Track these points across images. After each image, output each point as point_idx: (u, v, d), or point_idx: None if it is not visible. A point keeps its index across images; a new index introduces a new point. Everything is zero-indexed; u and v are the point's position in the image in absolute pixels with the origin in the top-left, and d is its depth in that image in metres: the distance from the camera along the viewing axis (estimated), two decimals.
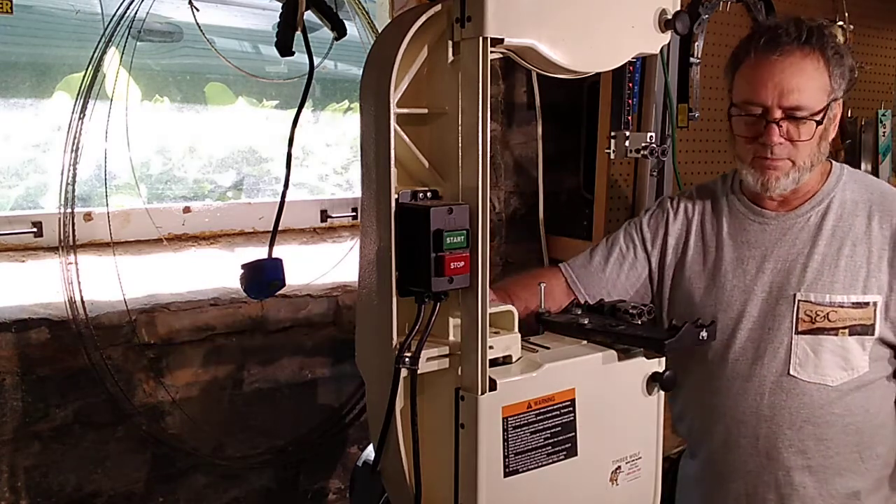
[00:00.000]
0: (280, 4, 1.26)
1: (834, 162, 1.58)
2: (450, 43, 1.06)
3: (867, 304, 1.46)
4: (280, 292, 1.36)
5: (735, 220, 1.59)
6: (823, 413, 1.47)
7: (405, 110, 1.08)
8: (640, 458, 1.25)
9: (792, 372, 1.47)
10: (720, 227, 1.60)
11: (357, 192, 2.32)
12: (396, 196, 1.06)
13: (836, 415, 1.47)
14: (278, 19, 1.25)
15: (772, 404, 1.49)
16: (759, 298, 1.52)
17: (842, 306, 1.46)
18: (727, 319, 1.53)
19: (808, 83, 1.42)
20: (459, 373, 1.09)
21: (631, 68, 2.20)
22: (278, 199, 1.30)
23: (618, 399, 1.22)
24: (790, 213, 1.54)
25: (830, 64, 1.44)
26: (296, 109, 1.29)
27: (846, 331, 1.46)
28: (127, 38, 1.88)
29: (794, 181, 1.47)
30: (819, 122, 1.43)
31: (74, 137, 1.81)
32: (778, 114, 1.42)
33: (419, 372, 1.07)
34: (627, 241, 1.67)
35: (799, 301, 1.48)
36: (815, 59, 1.43)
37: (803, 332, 1.47)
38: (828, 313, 1.46)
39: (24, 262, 1.90)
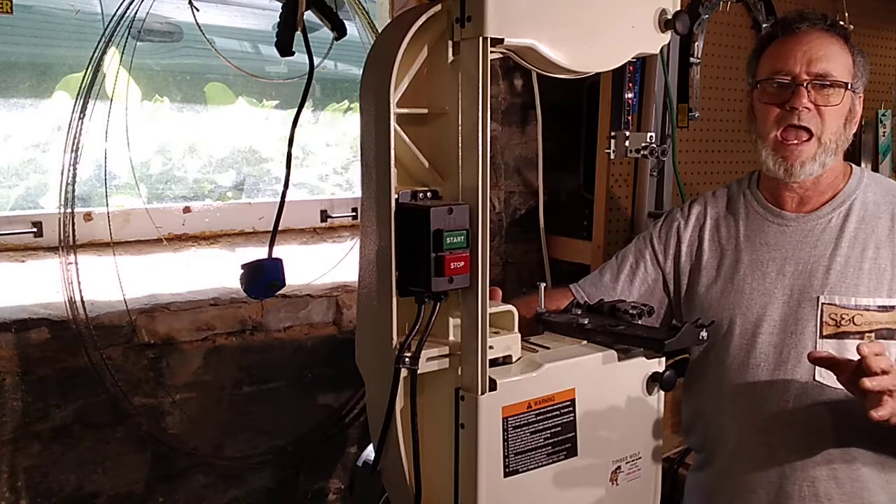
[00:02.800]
0: (280, 4, 1.26)
1: (854, 165, 1.56)
2: (450, 43, 1.06)
3: (893, 307, 1.42)
4: (280, 292, 1.36)
5: (752, 222, 1.55)
6: (849, 419, 1.41)
7: (405, 110, 1.08)
8: (640, 458, 1.25)
9: (818, 378, 1.42)
10: (737, 229, 1.57)
11: (357, 192, 2.32)
12: (396, 196, 1.06)
13: (860, 421, 1.38)
14: (278, 19, 1.25)
15: (796, 411, 1.44)
16: (780, 302, 1.47)
17: (868, 309, 1.42)
18: (747, 323, 1.49)
19: (834, 55, 1.45)
20: (459, 373, 1.09)
21: (631, 68, 2.19)
22: (278, 199, 1.30)
23: (618, 399, 1.22)
24: (810, 214, 1.51)
25: (854, 53, 1.48)
26: (296, 109, 1.29)
27: (872, 335, 1.41)
28: (127, 38, 1.88)
29: (821, 165, 1.45)
30: (846, 87, 1.44)
31: (74, 137, 1.81)
32: (805, 78, 1.43)
33: (419, 372, 1.07)
34: (637, 257, 1.64)
35: (823, 304, 1.44)
36: (840, 41, 1.47)
37: (828, 337, 1.42)
38: (853, 317, 1.42)
39: (24, 262, 1.90)
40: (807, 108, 1.43)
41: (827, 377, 1.41)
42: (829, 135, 1.44)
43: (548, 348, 1.22)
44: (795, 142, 1.44)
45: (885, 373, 1.21)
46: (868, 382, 1.20)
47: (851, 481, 1.44)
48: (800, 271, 1.48)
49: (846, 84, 1.44)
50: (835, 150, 1.46)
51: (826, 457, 1.44)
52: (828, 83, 1.43)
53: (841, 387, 1.38)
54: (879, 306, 1.42)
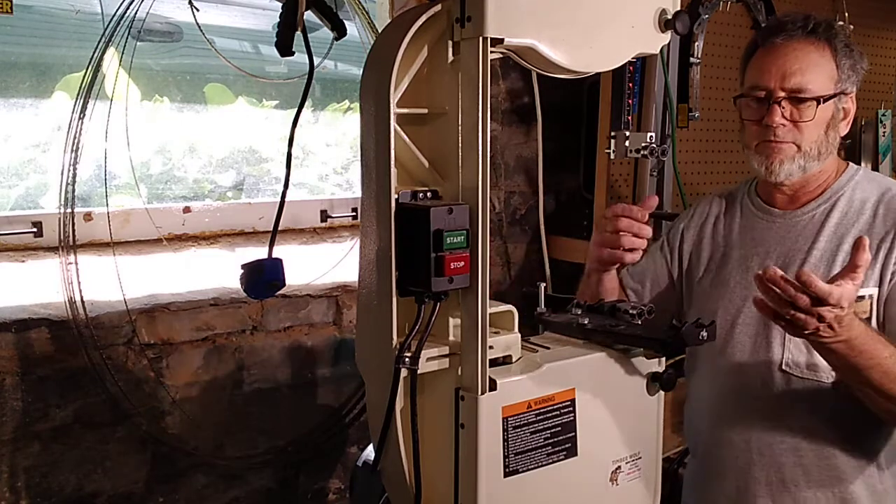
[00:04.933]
0: (280, 4, 1.26)
1: (852, 163, 1.57)
2: (450, 43, 1.06)
3: (863, 297, 1.43)
4: (280, 292, 1.36)
5: (745, 220, 1.59)
6: (816, 410, 1.46)
7: (405, 110, 1.08)
8: (640, 458, 1.25)
9: (784, 367, 1.46)
10: (732, 226, 1.61)
11: (357, 192, 2.32)
12: (396, 196, 1.06)
13: (829, 412, 1.46)
14: (278, 19, 1.25)
15: (763, 399, 1.48)
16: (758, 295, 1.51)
17: None
18: (728, 315, 1.53)
19: (810, 67, 1.44)
20: (459, 373, 1.09)
21: (631, 68, 2.20)
22: (278, 199, 1.30)
23: (618, 399, 1.22)
24: (796, 210, 1.53)
25: (838, 55, 1.46)
26: (296, 109, 1.29)
27: None
28: (127, 38, 1.88)
29: (801, 168, 1.46)
30: (820, 102, 1.43)
31: (74, 137, 1.81)
32: (780, 94, 1.43)
33: (419, 372, 1.07)
34: (649, 261, 1.67)
35: None
36: (821, 48, 1.45)
37: None
38: None
39: (24, 262, 1.90)
40: (782, 123, 1.43)
41: (794, 367, 1.45)
42: (808, 143, 1.45)
43: (548, 348, 1.21)
44: (775, 140, 1.45)
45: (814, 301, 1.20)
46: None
47: (820, 469, 1.47)
48: (778, 265, 1.49)
49: (821, 98, 1.43)
50: (817, 156, 1.46)
51: (792, 444, 1.47)
52: (803, 98, 1.43)
53: (807, 377, 1.44)
54: None
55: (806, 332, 1.23)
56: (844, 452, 1.47)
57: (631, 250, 1.46)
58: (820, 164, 1.48)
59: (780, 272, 1.21)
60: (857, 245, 1.23)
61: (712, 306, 1.55)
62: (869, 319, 1.44)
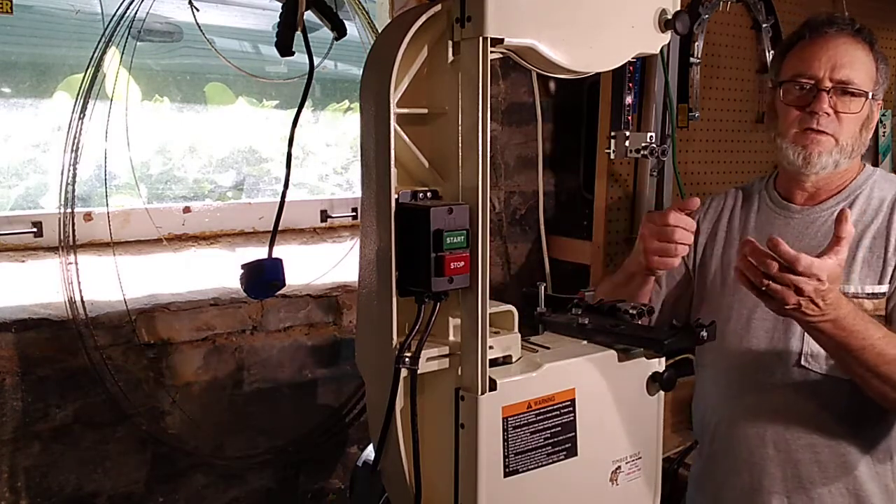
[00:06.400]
0: (280, 4, 1.26)
1: (868, 164, 1.59)
2: (450, 43, 1.06)
3: (882, 294, 1.45)
4: (280, 292, 1.36)
5: (762, 216, 1.60)
6: (832, 405, 1.46)
7: (405, 110, 1.08)
8: (640, 458, 1.25)
9: (803, 363, 1.46)
10: (748, 222, 1.61)
11: (357, 192, 2.32)
12: (396, 196, 1.06)
13: (844, 408, 1.46)
14: (278, 19, 1.25)
15: (780, 395, 1.48)
16: None
17: (857, 297, 1.44)
18: (743, 310, 1.53)
19: (857, 62, 1.46)
20: (459, 373, 1.09)
21: (631, 68, 2.20)
22: (278, 199, 1.30)
23: (618, 399, 1.22)
24: (815, 207, 1.54)
25: (878, 60, 1.49)
26: (296, 109, 1.29)
27: None
28: (127, 38, 1.88)
29: (835, 163, 1.47)
30: (868, 97, 1.45)
31: (74, 137, 1.81)
32: (828, 84, 1.45)
33: (419, 372, 1.07)
34: None
35: None
36: (866, 49, 1.48)
37: None
38: None
39: (24, 262, 1.90)
40: (826, 112, 1.45)
41: (812, 363, 1.45)
42: (845, 138, 1.46)
43: (548, 348, 1.21)
44: (817, 128, 1.46)
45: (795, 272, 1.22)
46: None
47: (836, 466, 1.47)
48: None
49: (867, 93, 1.46)
50: (850, 153, 1.48)
51: (809, 441, 1.47)
52: (849, 91, 1.45)
53: (826, 372, 1.44)
54: (868, 294, 1.45)
55: (787, 306, 1.23)
56: (858, 449, 1.47)
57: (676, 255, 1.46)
58: (849, 162, 1.49)
59: (756, 242, 1.22)
60: (839, 217, 1.24)
61: (728, 301, 1.55)
62: (884, 318, 1.44)
